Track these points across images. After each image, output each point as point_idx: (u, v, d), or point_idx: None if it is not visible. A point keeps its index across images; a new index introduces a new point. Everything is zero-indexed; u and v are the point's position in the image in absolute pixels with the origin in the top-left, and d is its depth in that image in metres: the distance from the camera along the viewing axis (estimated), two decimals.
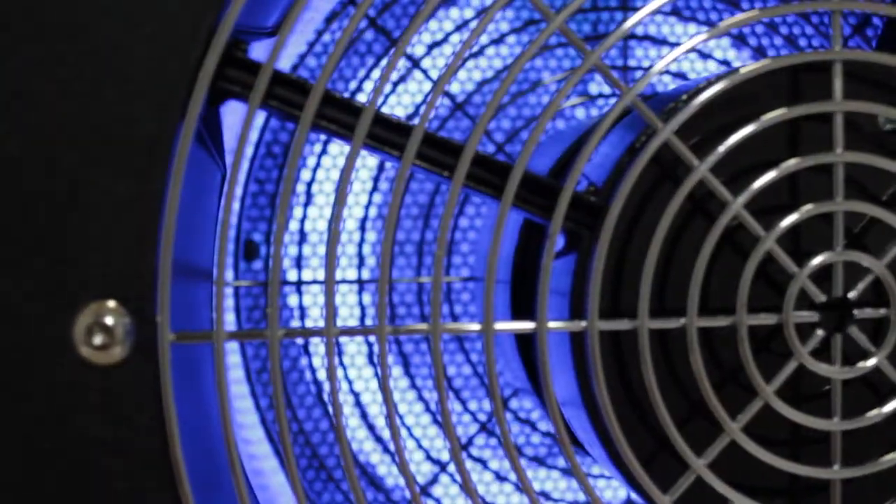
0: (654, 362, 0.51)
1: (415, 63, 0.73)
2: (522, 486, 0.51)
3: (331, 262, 0.49)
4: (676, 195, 0.51)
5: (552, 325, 0.50)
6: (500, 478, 0.74)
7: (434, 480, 0.73)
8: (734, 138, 0.51)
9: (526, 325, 0.50)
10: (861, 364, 0.53)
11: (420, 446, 0.74)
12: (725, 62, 0.76)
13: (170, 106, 0.49)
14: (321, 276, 0.73)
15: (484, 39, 0.74)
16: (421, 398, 0.74)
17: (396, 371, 0.74)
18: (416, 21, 0.49)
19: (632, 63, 0.77)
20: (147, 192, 0.49)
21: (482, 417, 0.75)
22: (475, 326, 0.49)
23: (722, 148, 0.51)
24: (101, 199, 0.48)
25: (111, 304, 0.48)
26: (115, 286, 0.49)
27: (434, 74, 0.73)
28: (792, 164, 0.52)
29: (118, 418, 0.49)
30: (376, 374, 0.72)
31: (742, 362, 0.52)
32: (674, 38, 0.75)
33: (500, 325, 0.50)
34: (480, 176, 0.51)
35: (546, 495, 0.76)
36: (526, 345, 0.64)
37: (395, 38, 0.70)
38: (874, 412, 0.53)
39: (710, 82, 0.52)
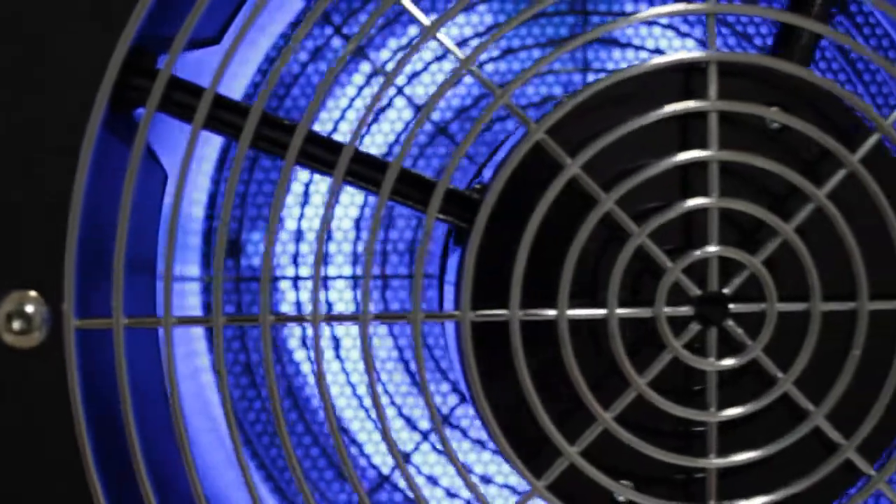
0: (541, 352, 0.53)
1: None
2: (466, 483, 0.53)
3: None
4: (548, 192, 0.53)
5: (425, 315, 0.53)
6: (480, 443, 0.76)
7: (415, 448, 0.75)
8: (608, 138, 0.53)
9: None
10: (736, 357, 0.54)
11: (401, 414, 0.75)
12: (702, 41, 0.76)
13: (80, 111, 0.53)
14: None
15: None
16: (407, 370, 0.75)
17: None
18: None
19: None
20: (61, 191, 0.53)
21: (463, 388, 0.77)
22: (352, 317, 0.53)
23: (596, 147, 0.53)
24: (23, 197, 0.53)
25: (32, 293, 0.53)
26: (35, 277, 0.53)
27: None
28: (666, 163, 0.53)
29: (31, 403, 0.54)
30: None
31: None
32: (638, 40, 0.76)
33: (373, 316, 0.53)
34: (362, 173, 0.54)
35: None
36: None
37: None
38: (748, 405, 0.54)
39: (590, 83, 0.54)
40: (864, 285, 0.54)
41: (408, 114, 0.73)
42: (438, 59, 0.73)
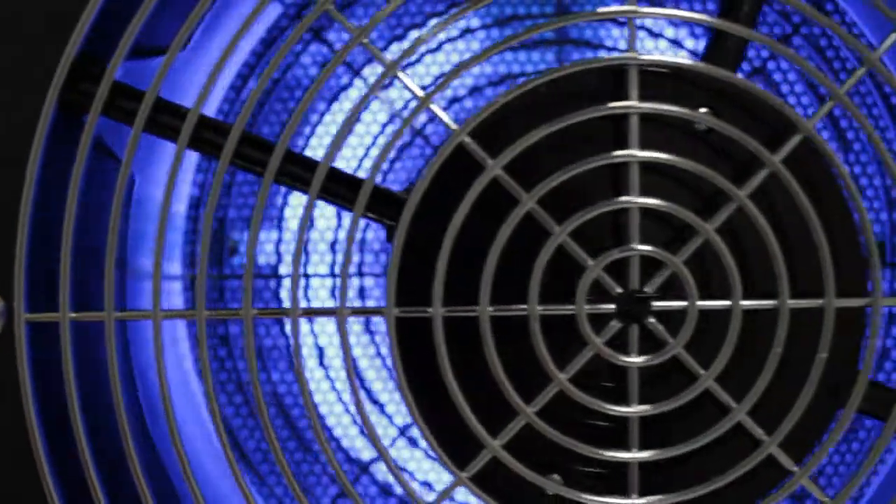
0: (471, 347, 0.55)
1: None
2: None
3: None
4: (469, 193, 0.54)
5: (349, 310, 0.55)
6: None
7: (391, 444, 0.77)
8: (529, 139, 0.54)
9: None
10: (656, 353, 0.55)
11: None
12: (675, 41, 0.77)
13: (30, 117, 0.56)
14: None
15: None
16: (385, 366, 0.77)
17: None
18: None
19: None
20: (12, 190, 0.56)
21: None
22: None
23: (516, 148, 0.54)
24: None
25: None
26: None
27: None
28: (585, 163, 0.54)
29: None
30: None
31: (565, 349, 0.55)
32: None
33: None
34: (294, 173, 0.56)
35: None
36: None
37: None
38: (668, 401, 0.55)
39: (518, 86, 0.55)
40: (786, 283, 0.55)
41: (383, 116, 0.74)
42: (411, 63, 0.75)
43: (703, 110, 0.55)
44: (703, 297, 0.55)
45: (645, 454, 0.55)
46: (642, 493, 0.56)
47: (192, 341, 0.74)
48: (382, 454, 0.55)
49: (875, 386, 0.57)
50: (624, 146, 0.55)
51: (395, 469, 0.55)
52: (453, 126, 0.54)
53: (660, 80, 0.56)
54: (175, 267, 0.74)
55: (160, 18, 0.58)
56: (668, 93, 0.55)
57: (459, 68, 0.55)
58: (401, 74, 0.54)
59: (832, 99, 0.54)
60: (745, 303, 0.55)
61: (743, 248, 0.55)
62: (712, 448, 0.56)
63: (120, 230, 0.62)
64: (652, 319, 0.55)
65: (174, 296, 0.75)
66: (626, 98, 0.54)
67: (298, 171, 0.56)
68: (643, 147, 0.55)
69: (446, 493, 0.56)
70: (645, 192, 0.55)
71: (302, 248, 0.55)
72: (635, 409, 0.55)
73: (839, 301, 0.55)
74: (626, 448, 0.56)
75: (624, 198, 0.55)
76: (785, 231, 0.56)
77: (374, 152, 0.72)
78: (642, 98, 0.55)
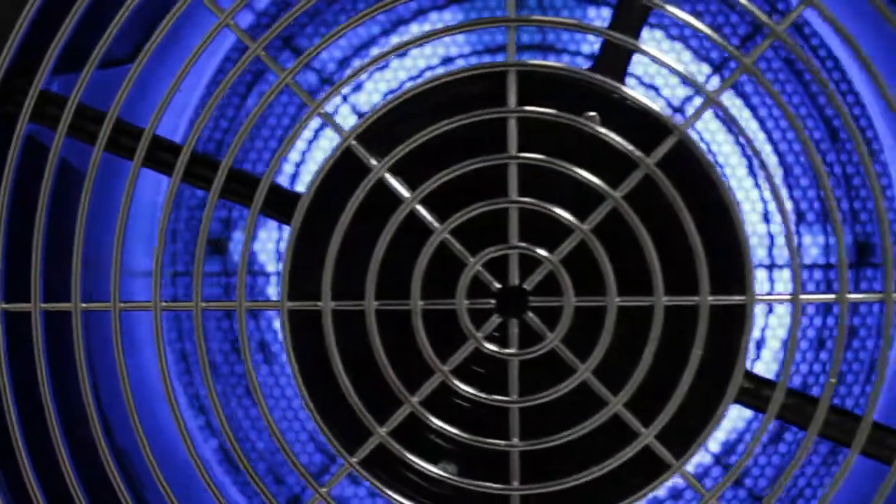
0: (359, 340, 0.58)
1: None
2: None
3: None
4: (356, 193, 0.58)
5: (248, 305, 0.58)
6: None
7: None
8: (414, 142, 0.57)
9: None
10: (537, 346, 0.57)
11: None
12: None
13: None
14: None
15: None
16: None
17: None
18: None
19: None
20: None
21: None
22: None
23: (400, 151, 0.57)
24: None
25: None
26: None
27: None
28: (467, 164, 0.57)
29: None
30: None
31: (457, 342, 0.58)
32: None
33: (205, 305, 0.58)
34: (196, 172, 0.59)
35: None
36: None
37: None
38: (547, 393, 0.58)
39: (401, 92, 0.58)
40: (660, 281, 0.57)
41: (352, 120, 0.78)
42: (381, 69, 0.78)
43: (591, 113, 0.57)
44: (593, 294, 0.57)
45: (523, 443, 0.58)
46: (526, 483, 0.58)
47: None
48: (277, 440, 0.58)
49: (751, 379, 0.58)
50: (518, 150, 0.57)
51: (289, 452, 0.58)
52: (342, 130, 0.57)
53: (552, 85, 0.58)
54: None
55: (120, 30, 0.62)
56: (563, 96, 0.58)
57: (352, 74, 0.58)
58: (291, 83, 0.57)
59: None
60: (620, 299, 0.57)
61: (637, 246, 0.57)
62: (599, 441, 0.58)
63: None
64: (530, 314, 0.57)
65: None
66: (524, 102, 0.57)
67: (207, 173, 0.59)
68: (539, 149, 0.57)
69: (336, 476, 0.59)
70: (541, 193, 0.57)
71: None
72: (513, 400, 0.58)
73: (713, 298, 0.57)
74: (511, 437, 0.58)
75: (505, 199, 0.57)
76: (677, 230, 0.57)
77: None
78: (542, 101, 0.57)
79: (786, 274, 0.73)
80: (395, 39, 0.74)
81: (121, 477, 0.60)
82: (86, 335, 0.60)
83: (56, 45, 0.59)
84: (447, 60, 0.77)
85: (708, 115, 0.72)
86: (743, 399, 0.58)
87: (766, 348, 0.75)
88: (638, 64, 0.75)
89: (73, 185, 0.64)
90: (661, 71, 0.74)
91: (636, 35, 0.59)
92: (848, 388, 0.74)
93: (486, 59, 0.76)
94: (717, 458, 0.74)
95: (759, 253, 0.73)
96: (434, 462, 0.59)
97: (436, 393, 0.59)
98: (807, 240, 0.74)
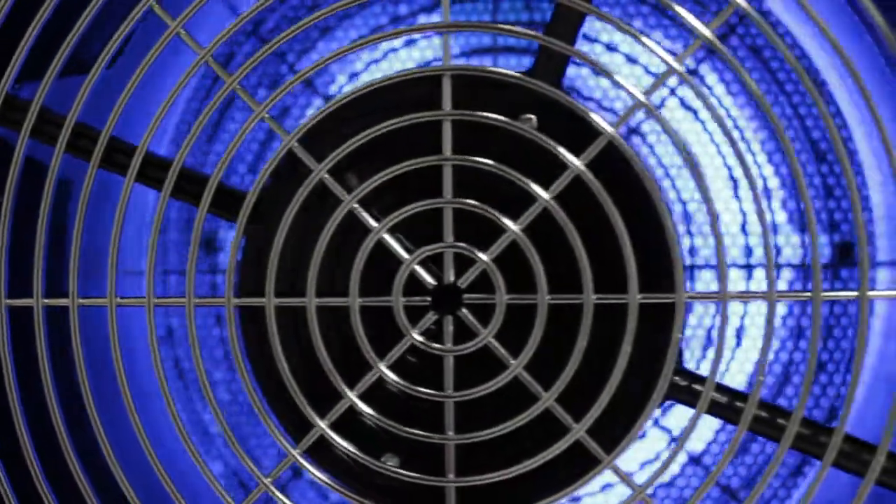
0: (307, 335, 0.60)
1: None
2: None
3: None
4: (298, 194, 0.60)
5: (197, 301, 0.61)
6: None
7: None
8: (353, 144, 0.59)
9: (180, 300, 0.61)
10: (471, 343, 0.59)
11: None
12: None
13: None
14: None
15: None
16: None
17: None
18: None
19: None
20: None
21: None
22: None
23: (339, 153, 0.59)
24: None
25: None
26: None
27: None
28: (402, 166, 0.59)
29: None
30: None
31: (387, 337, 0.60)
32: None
33: (157, 301, 0.61)
34: (149, 173, 0.62)
35: None
36: None
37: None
38: (482, 387, 0.59)
39: (341, 96, 0.60)
40: (590, 279, 0.58)
41: None
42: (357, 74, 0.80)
43: (528, 116, 0.59)
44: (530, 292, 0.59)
45: (457, 437, 0.59)
46: (463, 476, 0.60)
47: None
48: (225, 431, 0.61)
49: (683, 375, 0.60)
50: (459, 150, 0.59)
51: (235, 444, 0.61)
52: (283, 133, 0.59)
53: (490, 88, 0.60)
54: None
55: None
56: (502, 99, 0.59)
57: (294, 79, 0.60)
58: (238, 88, 0.60)
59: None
60: (551, 297, 0.58)
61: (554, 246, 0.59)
62: (538, 436, 0.60)
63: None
64: (465, 311, 0.59)
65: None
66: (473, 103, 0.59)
67: (158, 174, 0.62)
68: (483, 150, 0.59)
69: (280, 467, 0.61)
70: (481, 194, 0.59)
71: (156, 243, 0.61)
72: (447, 394, 0.59)
73: (642, 297, 0.58)
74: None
75: (440, 199, 0.59)
76: (611, 230, 0.59)
77: None
78: (482, 104, 0.59)
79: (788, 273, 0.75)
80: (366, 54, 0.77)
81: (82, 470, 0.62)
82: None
83: (20, 54, 0.62)
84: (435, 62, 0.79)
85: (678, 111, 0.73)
86: (681, 398, 0.60)
87: (742, 348, 0.76)
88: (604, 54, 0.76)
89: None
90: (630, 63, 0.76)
91: (572, 39, 0.60)
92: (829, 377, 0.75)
93: (475, 60, 0.78)
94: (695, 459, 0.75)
95: (732, 252, 0.74)
96: (379, 455, 0.61)
97: (378, 388, 0.60)
98: (781, 240, 0.75)
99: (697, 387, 0.59)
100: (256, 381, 0.62)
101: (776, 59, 0.75)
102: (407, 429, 0.60)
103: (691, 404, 0.60)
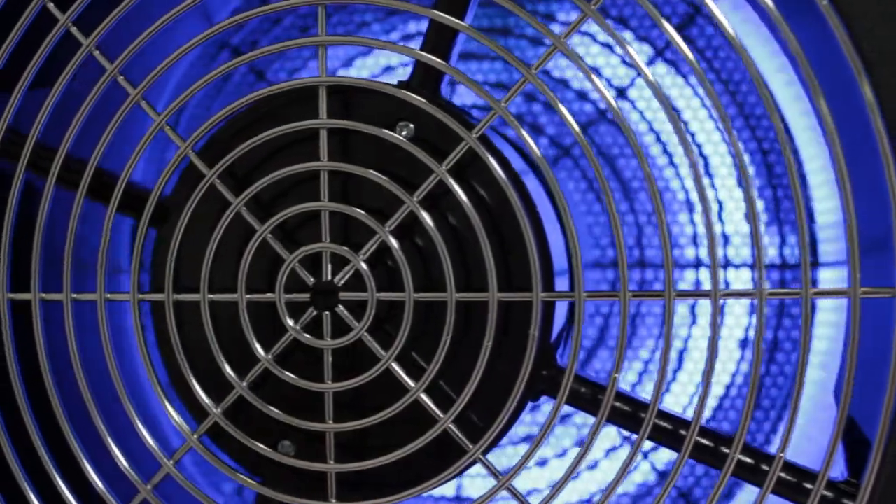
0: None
1: None
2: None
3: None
4: (192, 198, 0.64)
5: (111, 296, 0.66)
6: None
7: None
8: (238, 152, 0.64)
9: (122, 297, 0.66)
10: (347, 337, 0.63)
11: None
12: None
13: None
14: None
15: None
16: None
17: None
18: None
19: None
20: None
21: None
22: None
23: (229, 159, 0.64)
24: None
25: None
26: None
27: None
28: (282, 172, 0.63)
29: None
30: None
31: (285, 332, 0.64)
32: None
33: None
34: (68, 178, 0.67)
35: None
36: None
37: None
38: (357, 378, 0.63)
39: (230, 106, 0.64)
40: (452, 278, 0.61)
41: None
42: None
43: (403, 123, 0.63)
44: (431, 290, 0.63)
45: (335, 426, 0.63)
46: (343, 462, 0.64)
47: None
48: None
49: (553, 370, 0.63)
50: (348, 157, 0.63)
51: (141, 429, 0.66)
52: (179, 141, 0.64)
53: (369, 97, 0.63)
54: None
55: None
56: (382, 108, 0.63)
57: (193, 90, 0.65)
58: (142, 101, 0.64)
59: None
60: (417, 295, 0.62)
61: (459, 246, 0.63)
62: (417, 426, 0.63)
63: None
64: (341, 308, 0.63)
65: None
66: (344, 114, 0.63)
67: (73, 176, 0.67)
68: (361, 156, 0.63)
69: (180, 451, 0.66)
70: (362, 198, 0.63)
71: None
72: (326, 386, 0.63)
73: (502, 295, 0.61)
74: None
75: (319, 202, 0.63)
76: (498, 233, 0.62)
77: None
78: (363, 113, 0.63)
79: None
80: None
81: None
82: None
83: None
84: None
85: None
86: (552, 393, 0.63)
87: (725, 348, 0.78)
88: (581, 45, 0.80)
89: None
90: (604, 54, 0.79)
91: (447, 53, 0.63)
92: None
93: (460, 66, 0.81)
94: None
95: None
96: (275, 443, 0.66)
97: (268, 379, 0.65)
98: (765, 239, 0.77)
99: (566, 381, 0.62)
100: (166, 369, 0.67)
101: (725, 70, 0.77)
102: (288, 417, 0.64)
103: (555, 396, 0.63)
